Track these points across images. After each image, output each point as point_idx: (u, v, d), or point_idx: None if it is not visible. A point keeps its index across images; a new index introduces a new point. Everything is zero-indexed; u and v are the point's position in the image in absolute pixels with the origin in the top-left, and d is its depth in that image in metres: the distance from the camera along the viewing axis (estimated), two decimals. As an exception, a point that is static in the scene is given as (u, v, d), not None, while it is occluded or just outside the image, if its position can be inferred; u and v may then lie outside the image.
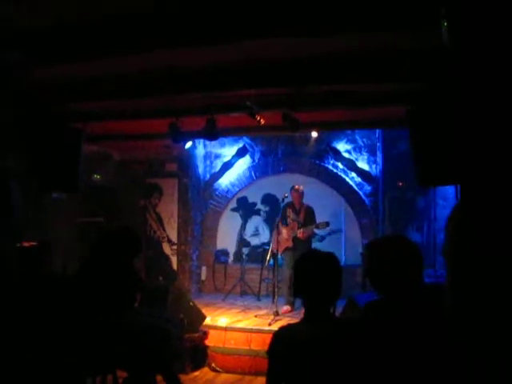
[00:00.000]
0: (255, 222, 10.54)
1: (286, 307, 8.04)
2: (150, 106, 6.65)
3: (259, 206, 10.49)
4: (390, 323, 2.58)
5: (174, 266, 9.90)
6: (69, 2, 3.88)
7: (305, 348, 2.54)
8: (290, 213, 8.32)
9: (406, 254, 2.68)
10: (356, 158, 9.90)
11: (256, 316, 7.80)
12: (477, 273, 1.17)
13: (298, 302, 7.78)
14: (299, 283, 2.76)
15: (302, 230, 8.03)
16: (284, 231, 8.20)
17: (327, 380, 2.50)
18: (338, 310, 5.36)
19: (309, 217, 8.21)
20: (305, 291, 2.73)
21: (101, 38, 4.37)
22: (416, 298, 2.62)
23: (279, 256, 8.20)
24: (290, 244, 8.11)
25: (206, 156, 10.70)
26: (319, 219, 8.19)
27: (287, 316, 7.67)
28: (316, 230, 8.49)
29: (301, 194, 8.35)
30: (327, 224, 8.07)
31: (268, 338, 2.76)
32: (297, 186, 8.38)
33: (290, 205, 8.38)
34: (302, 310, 2.88)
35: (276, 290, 8.01)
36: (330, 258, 2.78)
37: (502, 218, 1.12)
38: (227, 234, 10.64)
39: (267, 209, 10.19)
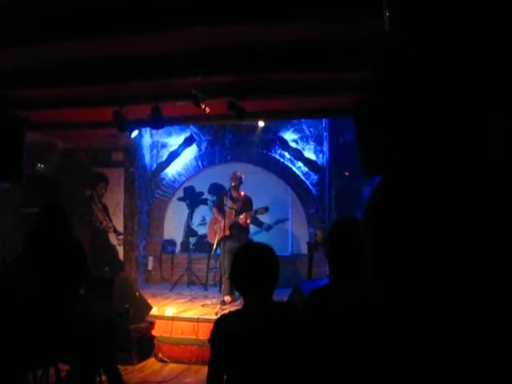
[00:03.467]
0: (202, 211, 10.51)
1: (227, 298, 7.90)
2: (95, 93, 6.51)
3: (206, 195, 10.47)
4: (332, 306, 2.60)
5: (121, 257, 9.79)
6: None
7: (245, 334, 2.56)
8: (226, 201, 8.17)
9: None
10: (303, 147, 9.96)
11: (203, 305, 7.79)
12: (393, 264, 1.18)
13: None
14: (236, 279, 2.78)
15: (244, 215, 7.91)
16: (221, 220, 8.09)
17: (268, 364, 2.52)
18: (284, 298, 5.40)
19: (246, 205, 8.10)
20: (242, 285, 2.77)
21: (46, 23, 4.25)
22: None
23: (215, 246, 8.11)
24: (227, 232, 7.97)
25: (153, 145, 10.61)
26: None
27: (233, 305, 7.60)
28: (260, 218, 8.51)
29: (238, 180, 8.22)
30: (266, 209, 7.98)
31: (215, 328, 2.77)
32: (238, 173, 8.29)
33: (227, 193, 8.28)
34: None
35: (223, 279, 8.02)
36: (264, 249, 2.79)
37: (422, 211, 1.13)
38: (174, 223, 10.59)
39: (214, 198, 10.16)
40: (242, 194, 8.25)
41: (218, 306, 7.50)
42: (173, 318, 7.16)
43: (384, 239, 1.23)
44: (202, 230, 10.38)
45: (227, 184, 8.37)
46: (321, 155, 9.90)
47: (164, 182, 10.53)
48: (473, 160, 1.22)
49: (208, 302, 8.02)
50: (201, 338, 6.74)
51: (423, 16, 2.26)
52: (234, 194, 8.22)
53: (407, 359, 1.18)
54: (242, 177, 8.24)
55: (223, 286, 8.07)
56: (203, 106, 6.27)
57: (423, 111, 1.66)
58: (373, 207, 1.30)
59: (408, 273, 1.13)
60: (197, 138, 10.30)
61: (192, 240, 10.34)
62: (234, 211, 8.04)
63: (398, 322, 1.17)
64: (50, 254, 4.79)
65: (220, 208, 8.22)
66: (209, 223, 8.64)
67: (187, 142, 10.12)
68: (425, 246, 1.11)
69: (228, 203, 8.14)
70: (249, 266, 2.70)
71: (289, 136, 9.99)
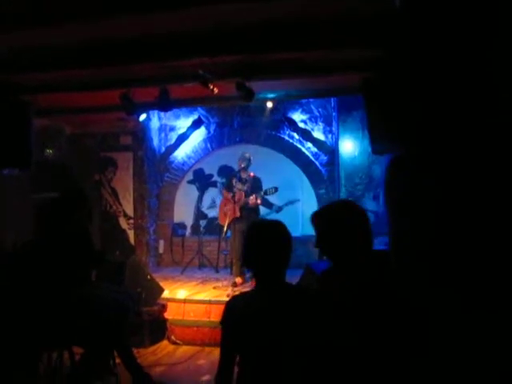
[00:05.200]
0: (212, 193, 10.51)
1: (237, 279, 7.92)
2: (101, 76, 6.45)
3: (216, 177, 10.46)
4: (342, 290, 2.57)
5: (131, 240, 9.81)
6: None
7: (258, 316, 2.52)
8: (235, 182, 8.15)
9: (354, 218, 2.65)
10: (312, 128, 9.90)
11: (214, 288, 7.80)
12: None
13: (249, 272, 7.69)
14: (249, 255, 2.70)
15: (253, 196, 7.82)
16: (231, 202, 8.04)
17: (281, 348, 2.48)
18: (295, 278, 5.38)
19: (255, 186, 8.02)
20: (255, 262, 2.66)
21: (52, 3, 4.20)
22: (365, 263, 2.60)
23: (225, 228, 8.06)
24: (238, 214, 7.93)
25: (161, 128, 10.58)
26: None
27: (244, 287, 7.65)
28: (270, 199, 8.48)
29: (247, 161, 8.16)
30: (275, 189, 7.88)
31: (227, 310, 2.73)
32: (247, 154, 8.24)
33: (236, 174, 8.26)
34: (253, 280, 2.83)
35: (234, 260, 8.03)
36: (277, 225, 2.71)
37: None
38: (184, 206, 10.60)
39: (224, 180, 10.12)
40: (252, 174, 8.17)
41: (230, 288, 7.51)
42: (185, 301, 7.17)
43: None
44: (212, 213, 10.39)
45: (236, 166, 8.34)
46: (330, 135, 9.84)
47: (173, 165, 10.52)
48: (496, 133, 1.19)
49: (219, 284, 8.02)
50: (213, 319, 6.76)
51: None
52: (243, 175, 8.17)
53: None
54: (251, 158, 8.19)
55: (234, 268, 8.08)
56: (211, 87, 6.21)
57: (440, 87, 1.61)
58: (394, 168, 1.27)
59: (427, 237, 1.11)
60: (205, 121, 10.24)
61: (202, 223, 10.37)
62: (243, 192, 8.00)
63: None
64: (52, 231, 4.82)
65: (229, 190, 8.18)
66: (219, 205, 8.63)
67: (195, 125, 10.05)
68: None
69: (237, 185, 8.10)
70: (261, 244, 2.62)
71: (297, 117, 9.93)
